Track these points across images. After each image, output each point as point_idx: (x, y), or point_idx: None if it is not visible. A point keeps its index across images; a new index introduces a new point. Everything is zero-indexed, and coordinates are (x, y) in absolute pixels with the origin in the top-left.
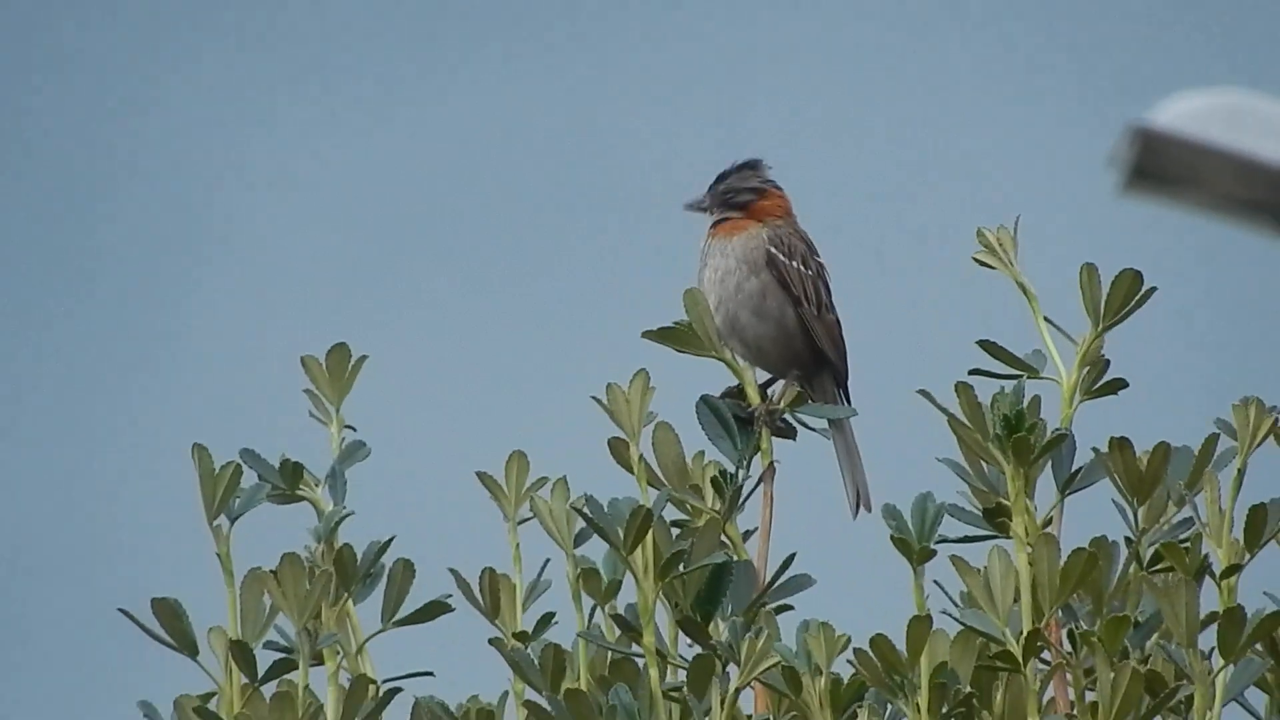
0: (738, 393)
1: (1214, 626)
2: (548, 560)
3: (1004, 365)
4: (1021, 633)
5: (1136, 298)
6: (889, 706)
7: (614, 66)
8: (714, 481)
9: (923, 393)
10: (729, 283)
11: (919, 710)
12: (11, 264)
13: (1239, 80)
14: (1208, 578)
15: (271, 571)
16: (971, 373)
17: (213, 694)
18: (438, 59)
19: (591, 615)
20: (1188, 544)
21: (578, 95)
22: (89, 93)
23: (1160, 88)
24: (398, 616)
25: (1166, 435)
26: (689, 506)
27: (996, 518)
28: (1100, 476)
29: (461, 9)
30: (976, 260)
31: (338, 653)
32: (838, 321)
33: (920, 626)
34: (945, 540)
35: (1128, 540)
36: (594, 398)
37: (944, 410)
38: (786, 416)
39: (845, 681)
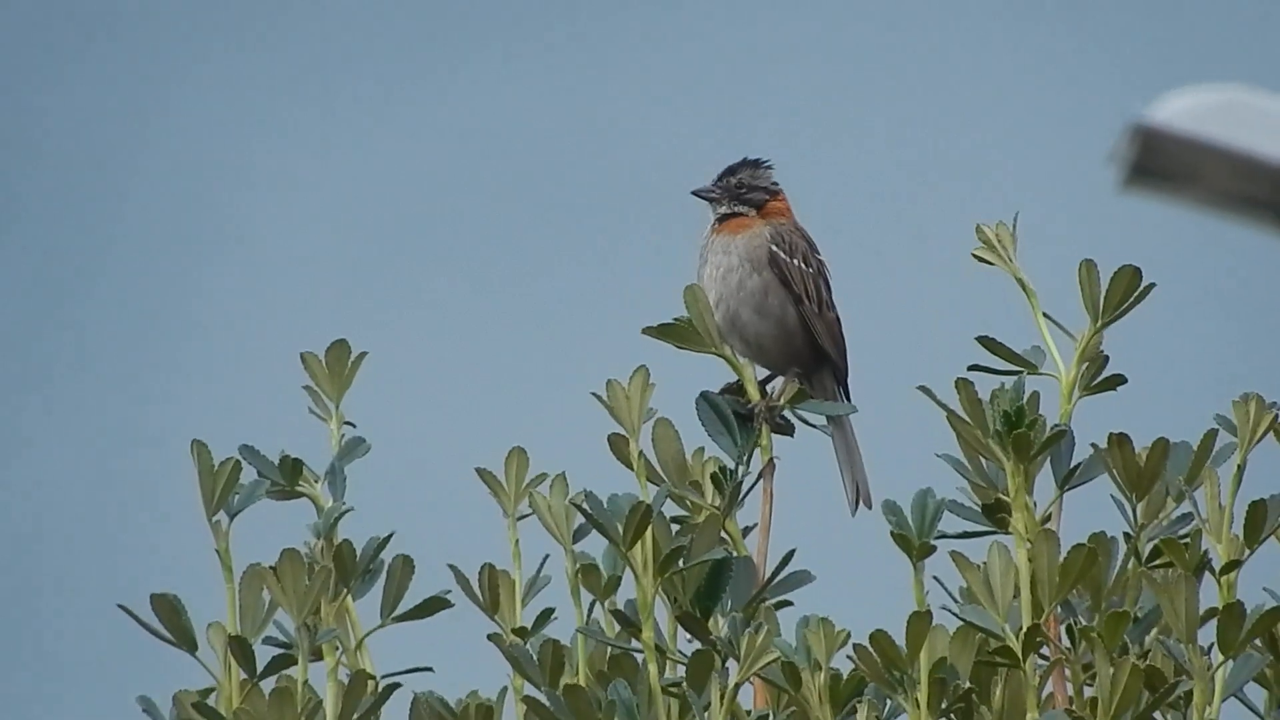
0: (737, 389)
1: (1213, 622)
2: (547, 556)
3: (1003, 361)
4: (1021, 628)
5: (1135, 294)
6: (888, 702)
7: (614, 66)
8: (714, 478)
9: (922, 389)
10: (731, 280)
11: (918, 706)
12: (16, 264)
13: (1238, 77)
14: (1207, 573)
15: (271, 567)
16: (971, 369)
17: (212, 690)
18: (438, 59)
19: (591, 611)
20: (1187, 539)
21: (578, 95)
22: (95, 95)
23: (1159, 85)
24: (397, 612)
25: (1166, 431)
26: (688, 503)
27: (996, 513)
28: (1099, 472)
29: (461, 9)
30: (975, 256)
31: (337, 648)
32: (838, 319)
33: (920, 622)
34: (945, 536)
35: (1127, 536)
36: (594, 394)
37: (944, 406)
38: (786, 413)
39: (845, 677)
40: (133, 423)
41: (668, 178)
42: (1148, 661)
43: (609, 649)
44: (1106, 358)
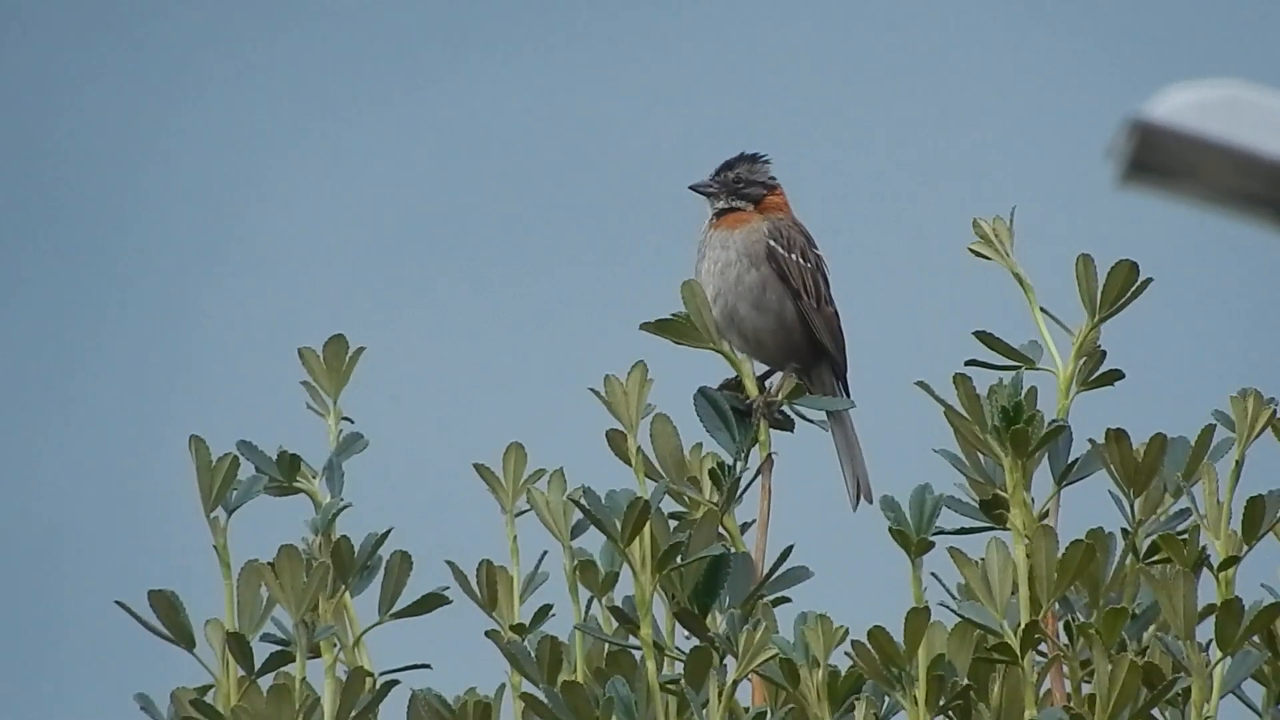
0: (736, 385)
1: (1211, 618)
2: (545, 552)
3: (1001, 357)
4: (1019, 625)
5: (1133, 289)
6: (886, 699)
7: (614, 66)
8: (712, 473)
9: (920, 384)
10: (729, 275)
11: (916, 702)
12: (30, 269)
13: (1236, 73)
14: (1205, 569)
15: (269, 564)
16: (969, 364)
17: (209, 686)
18: (438, 59)
19: (589, 607)
20: (1185, 535)
21: (578, 95)
22: (102, 100)
23: (1158, 80)
24: (395, 609)
25: (1164, 427)
26: (687, 498)
27: (994, 509)
28: (1097, 468)
29: (461, 9)
30: (973, 251)
31: (335, 645)
32: (836, 314)
33: (918, 618)
34: (943, 532)
35: (1125, 532)
36: (592, 390)
37: (942, 402)
38: (784, 408)
39: (843, 673)
40: (135, 421)
41: (668, 178)
42: (1146, 658)
43: (607, 646)
44: (1104, 353)
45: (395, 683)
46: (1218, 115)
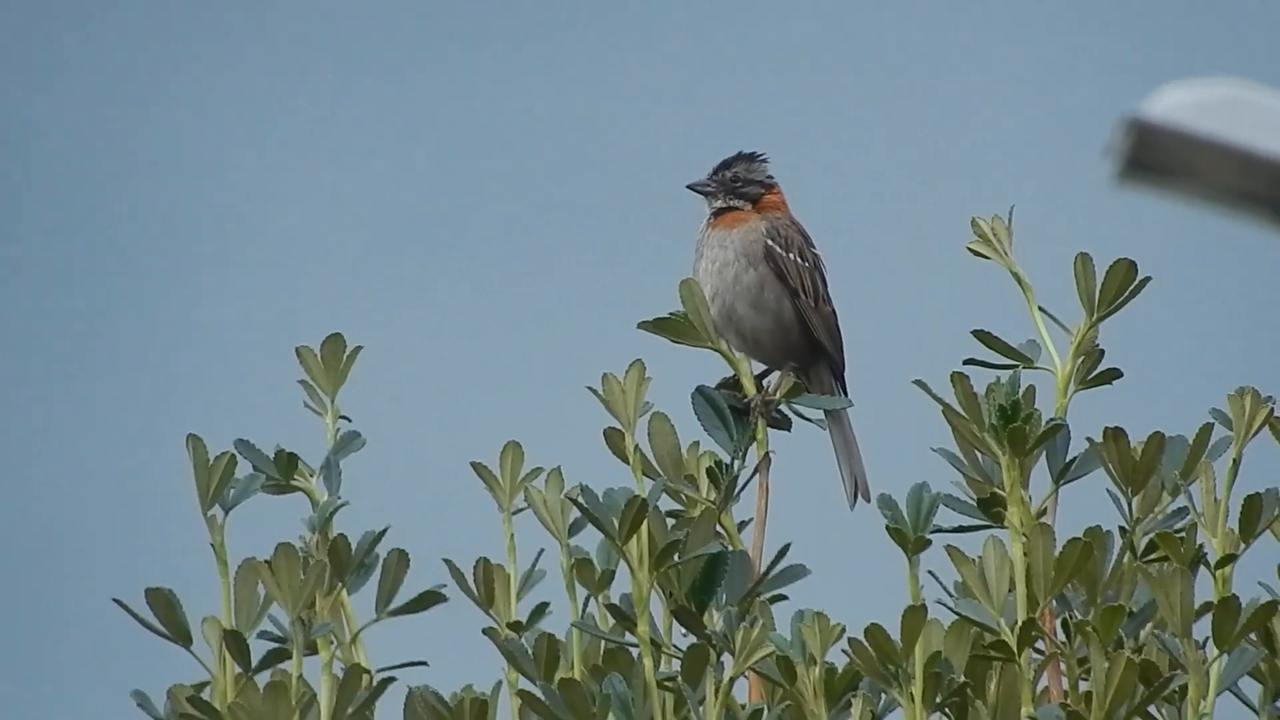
0: (733, 383)
1: (1208, 616)
2: (542, 550)
3: (999, 355)
4: (1016, 622)
5: (1131, 288)
6: (883, 696)
7: (614, 66)
8: (709, 472)
9: (918, 383)
10: (727, 274)
11: (913, 700)
12: (21, 266)
13: (1233, 72)
14: (1202, 567)
15: (266, 561)
16: (966, 363)
17: (206, 684)
18: (438, 59)
19: (586, 605)
20: (1182, 534)
21: (577, 95)
22: (95, 95)
23: (1155, 79)
24: (392, 606)
25: (1161, 425)
26: (684, 497)
27: (991, 508)
28: (1095, 466)
29: (462, 9)
30: (971, 250)
31: (332, 643)
32: (834, 313)
33: (915, 616)
34: (940, 530)
35: (1122, 530)
36: (589, 388)
37: (939, 400)
38: (782, 407)
39: (840, 671)
40: (133, 421)
41: (668, 178)
42: (1143, 656)
43: (604, 643)
44: (1102, 352)
45: (392, 680)
46: (1215, 114)
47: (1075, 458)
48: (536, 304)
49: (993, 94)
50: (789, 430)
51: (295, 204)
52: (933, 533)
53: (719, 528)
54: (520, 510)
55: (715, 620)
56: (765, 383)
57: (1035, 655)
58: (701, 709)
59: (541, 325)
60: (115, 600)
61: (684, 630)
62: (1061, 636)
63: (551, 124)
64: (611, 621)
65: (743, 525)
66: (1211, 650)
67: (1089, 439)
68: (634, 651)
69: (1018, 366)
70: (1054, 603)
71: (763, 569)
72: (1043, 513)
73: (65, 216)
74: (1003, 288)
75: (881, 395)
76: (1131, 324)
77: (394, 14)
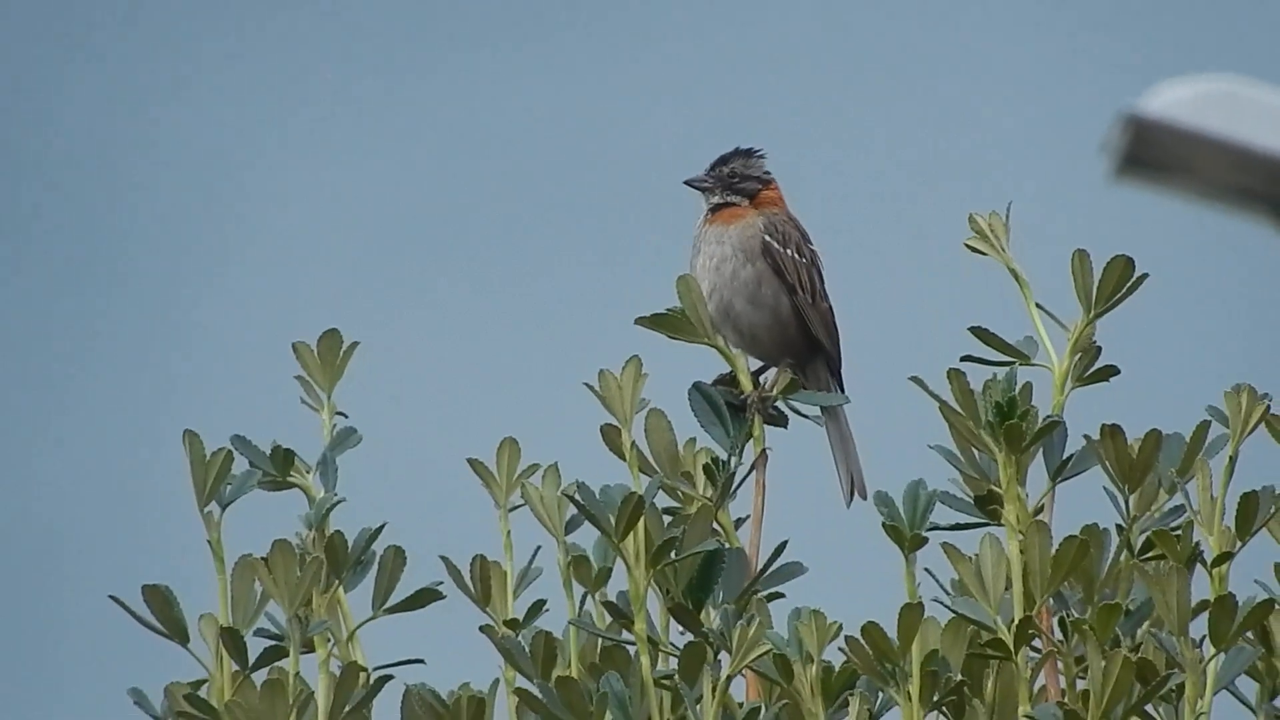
0: (730, 380)
1: (1205, 614)
2: (539, 547)
3: (996, 352)
4: (1013, 621)
5: (1128, 284)
6: (880, 694)
7: (613, 66)
8: (706, 469)
9: (915, 380)
10: (724, 270)
11: (910, 698)
12: (23, 268)
13: (1231, 68)
14: (1199, 565)
15: (262, 558)
16: (963, 359)
17: (203, 681)
18: (438, 59)
19: (583, 602)
20: (1179, 532)
21: (577, 95)
22: (98, 96)
23: (1154, 79)
24: (389, 604)
25: (1158, 422)
26: (681, 494)
27: (988, 505)
28: (1092, 464)
29: (462, 9)
30: (968, 246)
31: (328, 640)
32: (831, 309)
33: (912, 614)
34: (937, 528)
35: (1119, 528)
36: (586, 384)
37: (936, 397)
38: (779, 404)
39: (836, 669)
40: (133, 421)
41: (667, 177)
42: (1140, 654)
43: (601, 641)
44: (1099, 349)
45: (389, 678)
46: (1212, 110)
47: (1072, 455)
48: (536, 304)
49: (993, 94)
50: (786, 427)
51: (295, 204)
52: (929, 530)
53: (716, 525)
54: (517, 507)
55: (712, 618)
56: (762, 379)
57: (1032, 653)
58: (699, 707)
59: (541, 325)
60: (112, 598)
61: (681, 628)
62: (1058, 634)
63: (551, 124)
64: (609, 619)
65: (739, 522)
66: (1208, 648)
67: (1086, 436)
68: (631, 649)
69: (1015, 363)
70: (1051, 601)
71: (759, 566)
72: (1039, 510)
73: (65, 217)
74: (1001, 286)
75: (878, 392)
76: (1128, 321)
77: (394, 14)
